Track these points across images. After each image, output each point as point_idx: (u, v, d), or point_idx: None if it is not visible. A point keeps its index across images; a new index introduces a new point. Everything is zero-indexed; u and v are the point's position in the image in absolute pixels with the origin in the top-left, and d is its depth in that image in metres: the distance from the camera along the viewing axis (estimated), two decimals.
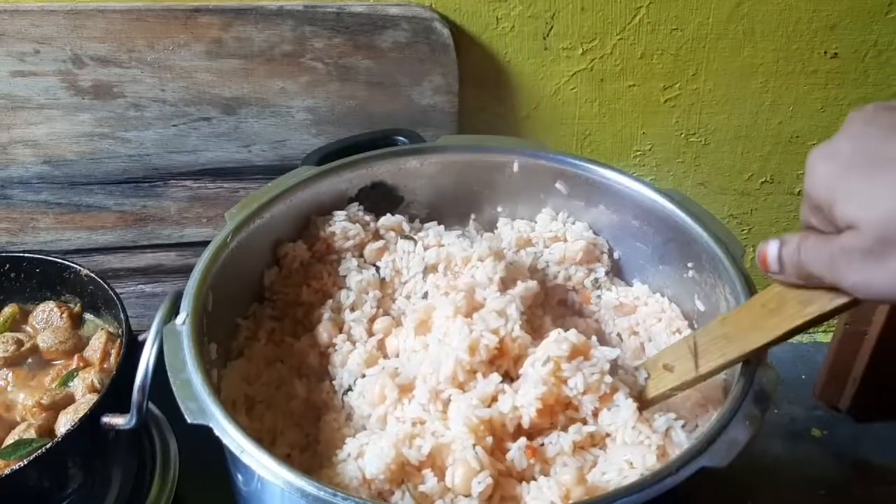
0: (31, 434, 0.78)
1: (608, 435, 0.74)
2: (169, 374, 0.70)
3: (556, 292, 0.95)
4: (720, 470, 0.62)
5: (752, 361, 0.70)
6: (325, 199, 0.94)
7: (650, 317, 0.91)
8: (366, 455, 0.72)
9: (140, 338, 0.79)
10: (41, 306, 0.92)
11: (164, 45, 1.00)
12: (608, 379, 0.75)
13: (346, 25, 1.01)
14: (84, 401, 0.81)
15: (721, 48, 1.10)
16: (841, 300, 0.59)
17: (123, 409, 0.75)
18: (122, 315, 0.86)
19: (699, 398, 0.79)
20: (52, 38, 0.98)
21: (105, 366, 0.86)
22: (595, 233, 0.97)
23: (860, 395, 1.12)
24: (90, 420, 0.75)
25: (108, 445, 0.81)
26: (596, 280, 0.95)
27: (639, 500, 0.60)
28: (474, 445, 0.70)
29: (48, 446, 0.72)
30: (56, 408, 0.81)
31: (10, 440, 0.78)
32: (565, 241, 0.96)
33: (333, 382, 0.83)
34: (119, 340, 0.87)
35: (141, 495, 0.89)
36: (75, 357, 0.87)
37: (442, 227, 0.96)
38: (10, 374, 0.86)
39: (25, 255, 0.93)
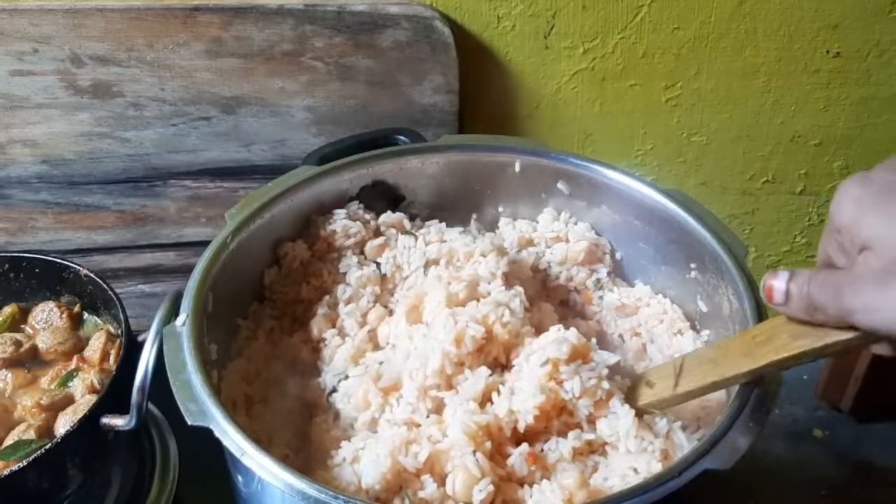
0: (31, 435, 0.78)
1: (608, 443, 0.74)
2: (169, 375, 0.70)
3: (557, 293, 0.95)
4: (723, 472, 0.62)
5: None
6: (326, 199, 0.93)
7: (652, 318, 0.91)
8: (361, 461, 0.71)
9: (140, 338, 0.79)
10: (40, 306, 0.91)
11: (164, 44, 1.00)
12: (605, 384, 0.74)
13: (346, 24, 1.01)
14: (83, 401, 0.81)
15: (723, 47, 1.10)
16: (831, 338, 0.59)
17: (123, 409, 0.75)
18: (121, 315, 0.85)
19: (701, 400, 0.79)
20: (50, 37, 0.98)
21: (104, 366, 0.85)
22: (597, 233, 0.96)
23: (862, 395, 1.12)
24: (90, 421, 0.74)
25: (108, 446, 0.81)
26: (598, 281, 0.95)
27: (641, 502, 0.60)
28: (474, 452, 0.69)
29: (47, 447, 0.72)
30: (55, 408, 0.81)
31: (9, 441, 0.78)
32: (567, 241, 0.96)
33: (320, 381, 0.83)
34: (119, 341, 0.87)
35: (140, 496, 0.89)
36: (75, 357, 0.86)
37: (443, 224, 0.95)
38: (10, 375, 0.85)
39: (25, 255, 0.93)
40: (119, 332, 0.87)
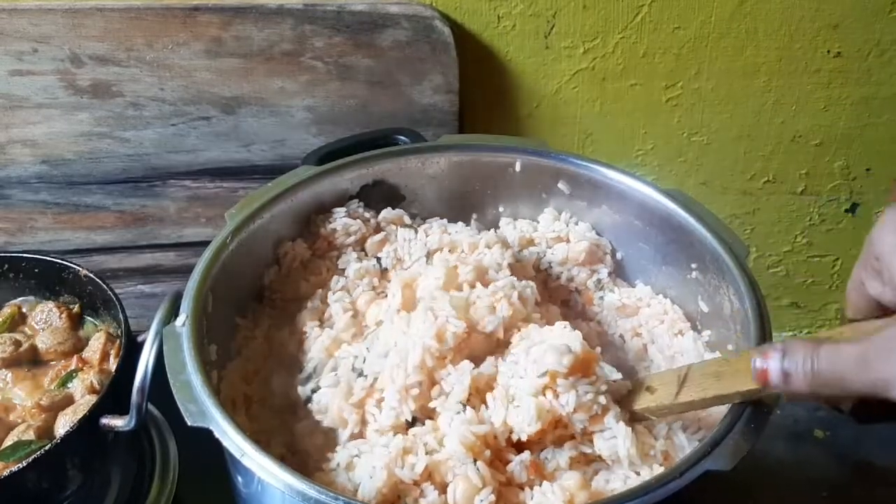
0: (30, 435, 0.78)
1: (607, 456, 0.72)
2: (169, 376, 0.69)
3: (558, 293, 0.94)
4: (723, 472, 0.62)
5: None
6: (326, 199, 0.93)
7: (653, 318, 0.91)
8: (356, 469, 0.71)
9: (139, 338, 0.78)
10: (40, 307, 0.91)
11: (163, 44, 1.00)
12: (602, 399, 0.71)
13: (346, 24, 1.01)
14: (83, 402, 0.81)
15: (723, 47, 1.10)
16: None
17: (123, 410, 0.75)
18: (121, 316, 0.85)
19: None
20: (50, 36, 0.98)
21: (104, 367, 0.85)
22: (598, 233, 0.96)
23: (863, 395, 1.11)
24: (89, 421, 0.74)
25: (108, 447, 0.80)
26: (599, 281, 0.95)
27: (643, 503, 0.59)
28: (475, 461, 0.68)
29: (47, 448, 0.72)
30: (55, 409, 0.81)
31: (9, 441, 0.78)
32: (568, 241, 0.95)
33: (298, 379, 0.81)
34: (118, 341, 0.86)
35: (140, 497, 0.89)
36: (74, 358, 0.86)
37: (445, 220, 0.95)
38: (9, 375, 0.85)
39: (24, 255, 0.93)
40: (119, 332, 0.87)
